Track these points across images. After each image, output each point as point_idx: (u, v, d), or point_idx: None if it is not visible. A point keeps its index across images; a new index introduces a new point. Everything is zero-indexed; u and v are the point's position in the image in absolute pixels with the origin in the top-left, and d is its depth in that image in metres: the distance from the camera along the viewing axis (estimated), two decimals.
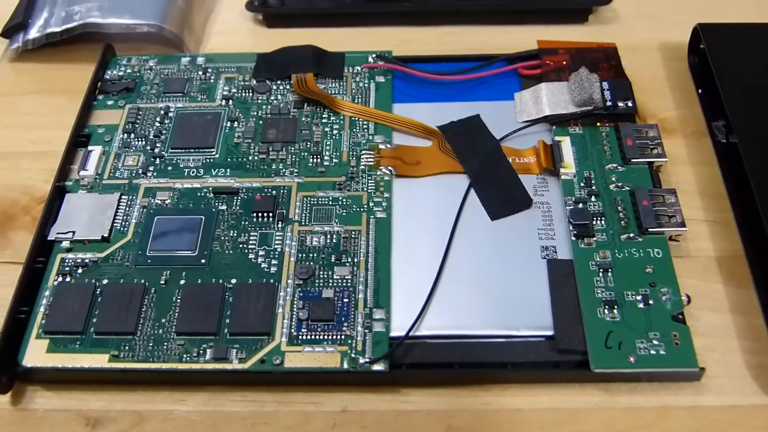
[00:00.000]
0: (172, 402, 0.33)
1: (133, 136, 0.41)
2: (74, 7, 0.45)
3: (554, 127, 0.40)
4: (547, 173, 0.39)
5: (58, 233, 0.37)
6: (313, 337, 0.33)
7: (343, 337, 0.33)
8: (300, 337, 0.33)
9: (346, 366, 0.32)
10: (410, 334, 0.33)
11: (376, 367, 0.32)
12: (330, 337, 0.33)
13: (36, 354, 0.33)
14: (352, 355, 0.33)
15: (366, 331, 0.33)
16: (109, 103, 0.42)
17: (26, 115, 0.44)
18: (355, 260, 0.36)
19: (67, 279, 0.35)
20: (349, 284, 0.35)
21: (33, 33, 0.45)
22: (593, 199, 0.37)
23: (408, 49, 0.45)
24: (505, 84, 0.43)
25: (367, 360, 0.32)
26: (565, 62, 0.43)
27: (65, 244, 0.37)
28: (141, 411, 0.33)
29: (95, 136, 0.41)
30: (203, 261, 0.36)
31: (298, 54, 0.43)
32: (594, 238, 0.36)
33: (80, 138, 0.41)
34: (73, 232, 0.37)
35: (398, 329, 0.34)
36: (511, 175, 0.39)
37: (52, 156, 0.41)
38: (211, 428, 0.32)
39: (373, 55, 0.44)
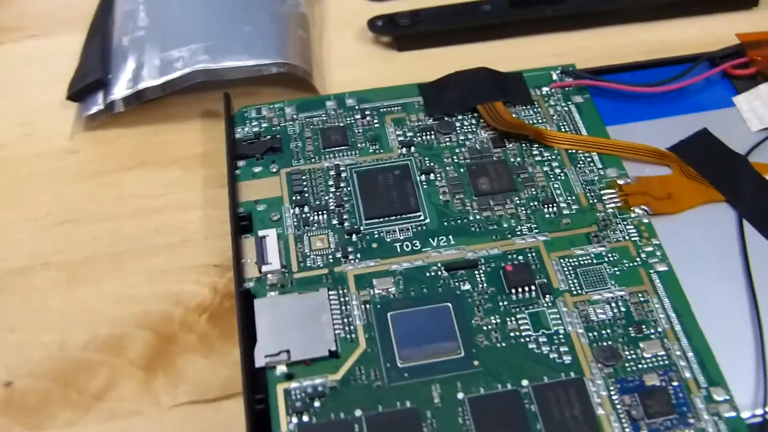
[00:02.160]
0: None
1: (307, 209, 0.32)
2: (172, 52, 0.35)
3: None
4: None
5: (267, 357, 0.28)
6: None
7: None
8: None
9: None
10: None
11: None
12: None
13: None
14: None
15: (715, 418, 0.26)
16: (257, 170, 0.33)
17: (138, 198, 0.34)
18: (658, 330, 0.28)
19: (305, 418, 0.26)
20: (666, 362, 0.27)
21: (119, 92, 0.35)
22: None
23: (579, 59, 0.37)
24: (715, 88, 0.36)
25: None
26: None
27: (281, 369, 0.27)
28: None
29: (257, 215, 0.32)
30: (476, 363, 0.27)
31: (471, 80, 0.36)
32: None
33: (240, 221, 0.31)
34: (287, 352, 0.28)
35: (746, 408, 0.27)
36: None
37: (192, 248, 0.32)
38: None
39: (558, 71, 0.36)
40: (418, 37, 0.39)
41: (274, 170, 0.33)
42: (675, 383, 0.27)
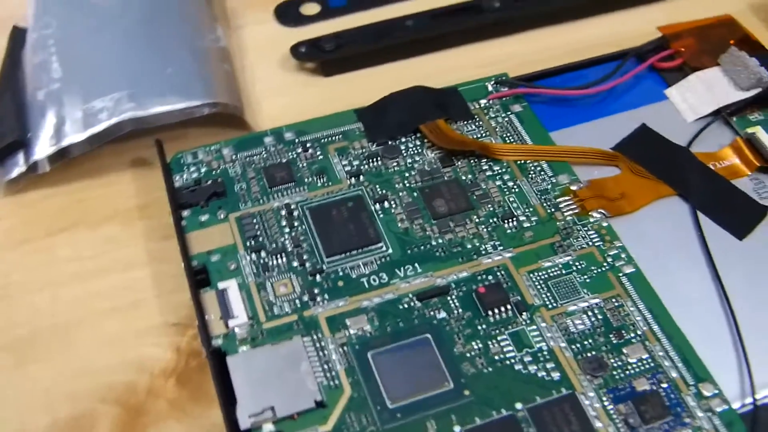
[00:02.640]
0: None
1: (264, 254, 0.30)
2: (94, 103, 0.33)
3: (734, 119, 0.35)
4: (760, 172, 0.33)
5: (251, 417, 0.26)
6: None
7: None
8: None
9: None
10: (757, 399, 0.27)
11: None
12: None
13: None
14: None
15: (709, 414, 0.26)
16: (203, 218, 0.32)
17: (73, 261, 0.32)
18: (638, 332, 0.28)
19: None
20: (652, 364, 0.27)
21: (41, 150, 0.33)
22: None
23: (508, 66, 0.37)
24: (645, 83, 0.37)
25: None
26: (693, 45, 0.37)
27: (268, 428, 0.26)
28: None
29: (213, 267, 0.30)
30: (467, 392, 0.27)
31: (408, 99, 0.35)
32: None
33: (196, 275, 0.30)
34: (272, 409, 0.26)
35: (736, 399, 0.27)
36: (726, 184, 0.33)
37: (144, 308, 0.30)
38: None
39: (492, 82, 0.36)
40: (344, 61, 0.38)
41: (222, 216, 0.32)
42: (664, 385, 0.27)
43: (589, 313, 0.29)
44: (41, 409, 0.28)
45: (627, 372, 0.28)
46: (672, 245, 0.31)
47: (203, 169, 0.33)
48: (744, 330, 0.29)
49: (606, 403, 0.27)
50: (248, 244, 0.31)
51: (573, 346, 0.28)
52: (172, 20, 0.37)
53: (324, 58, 0.38)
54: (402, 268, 0.30)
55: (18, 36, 0.36)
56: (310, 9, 0.41)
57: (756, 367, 0.28)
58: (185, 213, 0.32)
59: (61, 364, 0.29)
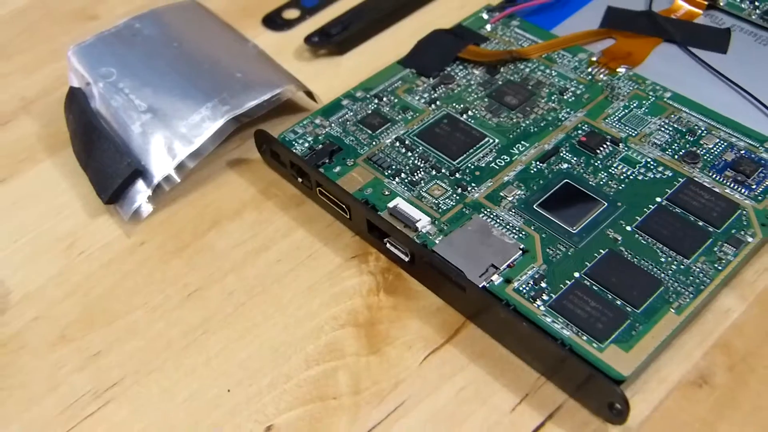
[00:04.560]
0: None
1: (403, 176, 0.36)
2: (192, 117, 0.38)
3: None
4: (710, 9, 0.43)
5: (482, 276, 0.32)
6: None
7: None
8: None
9: None
10: None
11: None
12: None
13: None
14: None
15: None
16: (337, 170, 0.37)
17: (235, 248, 0.36)
18: (702, 129, 0.37)
19: (545, 297, 0.31)
20: (725, 144, 0.36)
21: (159, 172, 0.37)
22: None
23: None
24: None
25: None
26: None
27: (497, 279, 0.32)
28: None
29: (372, 197, 0.36)
30: (619, 204, 0.34)
31: (436, 41, 0.42)
32: None
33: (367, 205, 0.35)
34: (492, 266, 0.32)
35: None
36: (693, 24, 0.43)
37: (321, 257, 0.36)
38: None
39: (484, 13, 0.44)
40: (352, 37, 0.45)
41: (351, 163, 0.37)
42: (743, 151, 0.36)
43: (663, 129, 0.37)
44: (296, 347, 0.32)
45: (714, 153, 0.36)
46: (683, 71, 0.40)
47: (309, 138, 0.38)
48: (757, 94, 0.38)
49: (714, 176, 0.35)
50: (387, 173, 0.36)
51: (667, 152, 0.36)
52: (212, 37, 0.41)
53: (336, 40, 0.44)
54: (514, 148, 0.37)
55: (77, 95, 0.39)
56: (291, 14, 0.47)
57: None
58: (321, 171, 0.36)
59: (285, 317, 0.33)
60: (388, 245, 0.34)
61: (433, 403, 0.30)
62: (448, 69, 0.41)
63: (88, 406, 0.31)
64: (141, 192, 0.37)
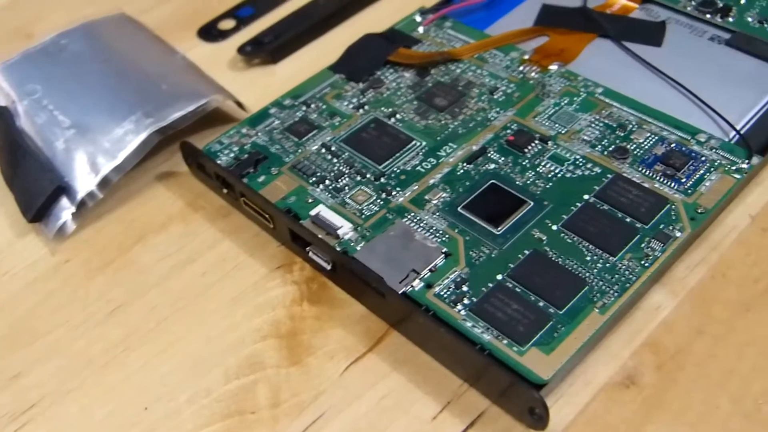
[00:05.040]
0: None
1: (328, 182, 0.35)
2: (115, 132, 0.37)
3: None
4: (645, 2, 0.43)
5: (402, 282, 0.31)
6: None
7: None
8: None
9: None
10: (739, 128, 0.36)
11: None
12: None
13: None
14: None
15: (714, 150, 0.35)
16: (261, 179, 0.36)
17: (161, 261, 0.36)
18: (633, 123, 0.36)
19: (466, 301, 0.31)
20: (656, 137, 0.36)
21: (83, 188, 0.36)
22: None
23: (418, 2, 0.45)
24: None
25: None
26: None
27: (418, 284, 0.31)
28: None
29: (295, 206, 0.35)
30: (546, 203, 0.34)
31: (366, 45, 0.41)
32: None
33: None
34: (413, 271, 0.32)
35: (724, 135, 0.36)
36: (628, 18, 0.42)
37: (246, 267, 0.35)
38: None
39: (417, 16, 0.43)
40: (284, 46, 0.44)
41: (276, 172, 0.36)
42: (673, 145, 0.35)
43: (593, 126, 0.36)
44: (217, 361, 0.32)
45: (644, 147, 0.35)
46: (617, 66, 0.39)
47: (235, 148, 0.37)
48: (691, 86, 0.37)
49: (643, 171, 0.34)
50: (311, 180, 0.35)
51: (596, 148, 0.35)
52: (140, 50, 0.41)
53: (268, 49, 0.44)
54: (442, 150, 0.36)
55: (3, 114, 0.39)
56: (227, 24, 0.47)
57: (721, 107, 0.36)
58: (244, 181, 0.36)
59: (207, 330, 0.33)
60: (310, 254, 0.33)
61: (353, 413, 0.30)
62: (378, 73, 0.40)
63: (4, 429, 0.30)
64: (65, 209, 0.36)
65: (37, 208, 0.36)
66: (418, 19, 0.43)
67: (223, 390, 0.31)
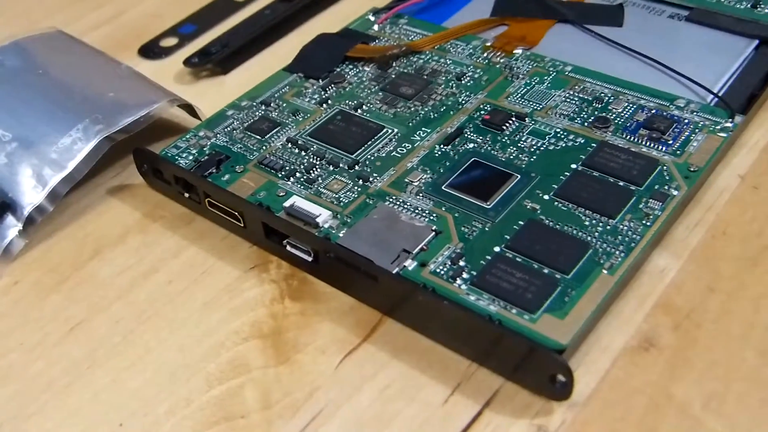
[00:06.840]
0: None
1: (299, 175, 0.33)
2: (62, 141, 0.34)
3: None
4: None
5: (393, 262, 0.29)
6: None
7: None
8: None
9: None
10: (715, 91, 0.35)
11: None
12: None
13: None
14: None
15: (695, 113, 0.34)
16: (226, 178, 0.34)
17: (121, 274, 0.32)
18: (610, 96, 0.35)
19: (465, 276, 0.28)
20: (635, 105, 0.35)
21: (30, 202, 0.33)
22: None
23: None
24: None
25: None
26: None
27: (411, 264, 0.29)
28: None
29: (267, 200, 0.32)
30: (533, 174, 0.32)
31: (322, 43, 0.40)
32: None
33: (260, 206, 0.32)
34: (404, 251, 0.30)
35: (702, 99, 0.35)
36: (585, 3, 0.42)
37: (218, 271, 0.32)
38: None
39: (370, 15, 0.42)
40: (233, 56, 0.42)
41: (241, 170, 0.34)
42: (654, 111, 0.34)
43: (569, 101, 0.35)
44: (195, 368, 0.28)
45: (624, 116, 0.34)
46: (582, 46, 0.39)
47: (194, 151, 0.35)
48: (660, 60, 0.36)
49: (628, 137, 0.33)
50: (281, 174, 0.33)
51: (576, 121, 0.34)
52: (81, 62, 0.38)
53: (216, 59, 0.41)
54: (416, 135, 0.34)
55: None
56: (169, 42, 0.45)
57: (693, 76, 0.35)
58: (209, 180, 0.33)
59: (180, 339, 0.30)
60: (288, 247, 0.31)
61: (355, 406, 0.27)
62: (338, 69, 0.38)
63: None
64: (11, 227, 0.33)
65: None
66: (372, 18, 0.42)
67: (206, 397, 0.28)
